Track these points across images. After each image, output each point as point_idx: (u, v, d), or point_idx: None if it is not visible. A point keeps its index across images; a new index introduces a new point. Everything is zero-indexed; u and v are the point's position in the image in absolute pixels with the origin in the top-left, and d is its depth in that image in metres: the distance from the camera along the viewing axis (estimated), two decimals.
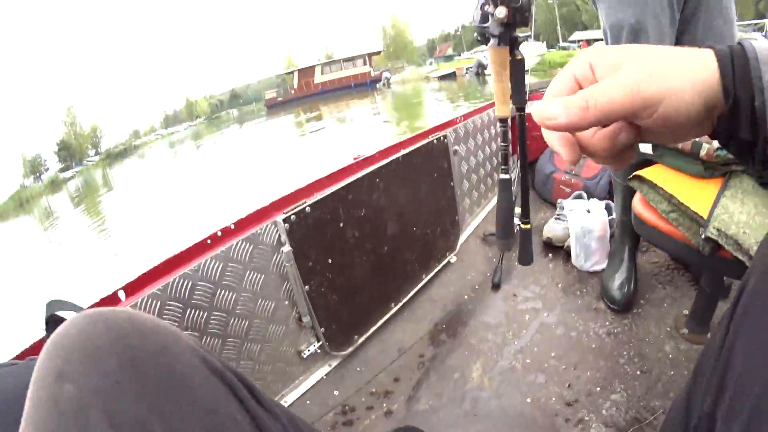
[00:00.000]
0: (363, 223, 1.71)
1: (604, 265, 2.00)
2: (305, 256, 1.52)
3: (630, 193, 1.44)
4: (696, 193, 1.21)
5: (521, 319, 1.86)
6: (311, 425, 0.70)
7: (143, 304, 1.15)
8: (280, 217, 1.42)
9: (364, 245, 1.74)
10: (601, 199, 2.30)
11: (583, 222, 2.02)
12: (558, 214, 2.33)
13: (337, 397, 1.61)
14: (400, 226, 1.88)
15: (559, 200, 2.42)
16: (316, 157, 11.09)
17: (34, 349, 1.01)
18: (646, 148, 1.42)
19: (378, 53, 62.97)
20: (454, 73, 39.74)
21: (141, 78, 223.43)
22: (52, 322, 0.63)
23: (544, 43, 47.92)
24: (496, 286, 2.06)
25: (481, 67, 33.96)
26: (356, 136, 12.95)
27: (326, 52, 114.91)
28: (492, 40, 0.99)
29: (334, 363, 1.70)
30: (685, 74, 0.42)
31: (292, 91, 49.90)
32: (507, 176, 1.10)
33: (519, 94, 1.03)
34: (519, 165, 1.13)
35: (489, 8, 0.95)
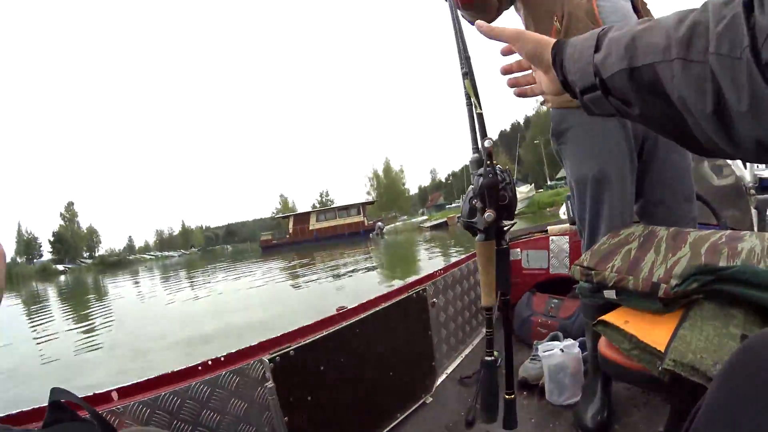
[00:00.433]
0: (343, 367, 1.79)
1: (578, 398, 2.04)
2: (287, 392, 1.60)
3: (598, 334, 1.52)
4: (655, 330, 1.27)
5: None
6: None
7: (134, 409, 1.23)
8: (266, 357, 1.53)
9: (342, 387, 1.81)
10: (576, 337, 2.37)
11: (556, 360, 2.08)
12: (533, 355, 2.38)
13: None
14: (378, 371, 1.96)
15: (535, 342, 2.49)
16: (310, 296, 11.17)
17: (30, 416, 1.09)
18: (609, 294, 1.49)
19: (371, 203, 64.40)
20: (446, 222, 40.63)
21: (141, 192, 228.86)
22: (56, 407, 0.68)
23: (533, 184, 49.36)
24: (469, 424, 2.06)
25: None
26: (349, 284, 13.06)
27: (320, 196, 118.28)
28: (479, 235, 1.07)
29: None
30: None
31: (287, 236, 50.54)
32: (491, 358, 1.20)
33: (504, 282, 1.14)
34: (504, 345, 1.26)
35: (477, 204, 1.03)
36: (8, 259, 0.76)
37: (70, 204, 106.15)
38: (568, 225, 3.04)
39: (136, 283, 29.88)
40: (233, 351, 1.52)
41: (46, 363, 8.48)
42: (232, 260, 39.97)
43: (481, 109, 1.07)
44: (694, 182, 1.88)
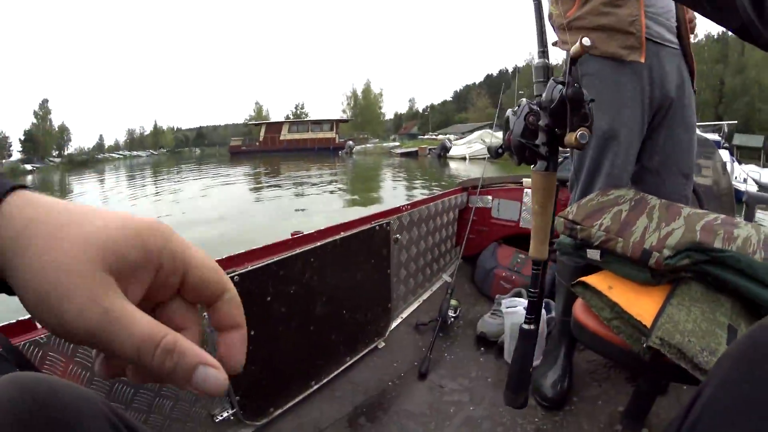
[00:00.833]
0: (292, 300, 1.65)
1: (537, 362, 1.95)
2: None
3: (572, 296, 1.41)
4: (641, 301, 1.20)
5: (446, 410, 1.78)
6: None
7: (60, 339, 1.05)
8: None
9: (289, 321, 1.67)
10: None
11: (519, 319, 1.96)
12: (494, 310, 2.30)
13: None
14: (329, 307, 1.82)
15: (497, 296, 2.40)
16: (264, 217, 11.01)
17: None
18: (593, 254, 1.40)
19: (346, 121, 64.08)
20: (416, 152, 39.91)
21: (117, 89, 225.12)
22: None
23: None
24: (422, 376, 1.98)
25: (444, 150, 34.27)
26: (309, 202, 12.96)
27: (296, 108, 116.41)
28: (539, 163, 0.93)
29: None
30: None
31: (257, 143, 50.00)
32: (531, 327, 1.04)
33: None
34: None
35: (542, 121, 0.90)
36: None
37: (45, 101, 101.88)
38: None
39: (101, 181, 29.61)
40: None
41: None
42: (197, 163, 39.97)
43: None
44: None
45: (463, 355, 2.14)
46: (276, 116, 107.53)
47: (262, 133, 50.23)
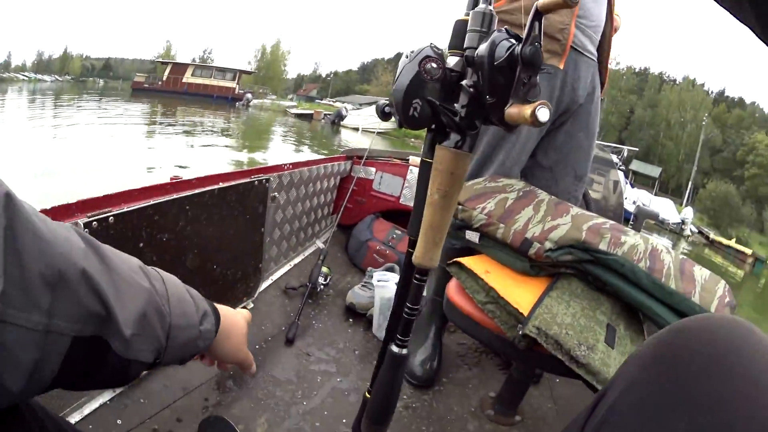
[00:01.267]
0: (164, 248, 1.54)
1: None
2: None
3: (446, 276, 1.40)
4: (518, 289, 1.20)
5: (313, 379, 1.75)
6: None
7: None
8: (82, 220, 1.25)
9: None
10: None
11: (390, 294, 1.97)
12: (365, 282, 2.28)
13: (120, 427, 1.40)
14: (200, 261, 1.72)
15: (369, 269, 2.38)
16: (153, 156, 10.55)
17: None
18: (472, 236, 1.39)
19: (249, 73, 62.39)
20: (311, 115, 39.67)
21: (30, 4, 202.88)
22: None
23: None
24: (289, 342, 1.92)
25: (339, 117, 34.17)
26: (198, 147, 12.57)
27: (203, 53, 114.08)
28: (452, 136, 0.74)
29: (118, 389, 1.48)
30: None
31: (160, 83, 47.86)
32: (403, 352, 0.83)
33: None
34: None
35: (467, 80, 0.72)
36: None
37: None
38: None
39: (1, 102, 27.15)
40: (47, 207, 1.22)
41: None
42: (99, 95, 38.38)
43: None
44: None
45: (331, 324, 2.11)
46: (184, 58, 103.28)
47: (166, 73, 48.23)
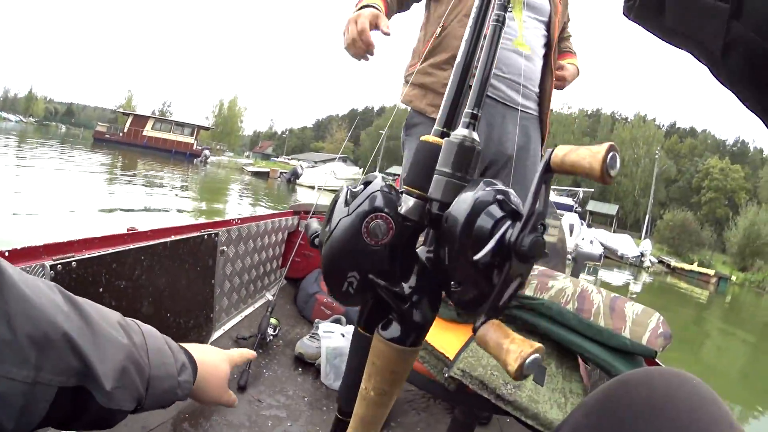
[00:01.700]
0: (121, 294, 1.60)
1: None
2: None
3: None
4: (446, 336, 1.25)
5: (264, 424, 1.81)
6: None
7: None
8: (48, 263, 1.32)
9: None
10: None
11: (336, 344, 2.07)
12: (313, 333, 2.36)
13: None
14: (155, 308, 1.79)
15: (317, 320, 2.48)
16: (113, 207, 10.48)
17: None
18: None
19: (207, 129, 62.16)
20: (268, 173, 39.81)
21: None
22: None
23: (362, 169, 50.25)
24: (241, 388, 1.98)
25: (294, 176, 34.44)
26: (157, 204, 12.53)
27: (163, 105, 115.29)
28: (393, 326, 0.58)
29: None
30: None
31: (121, 134, 47.41)
32: None
33: None
34: None
35: (421, 247, 0.60)
36: None
37: None
38: None
39: None
40: (17, 248, 1.30)
41: None
42: (61, 142, 37.69)
43: None
44: None
45: (281, 373, 2.17)
46: (144, 109, 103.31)
47: (127, 124, 47.76)
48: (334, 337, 2.10)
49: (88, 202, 10.73)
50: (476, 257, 0.46)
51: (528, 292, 1.27)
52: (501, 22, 0.63)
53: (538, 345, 0.43)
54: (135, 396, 0.66)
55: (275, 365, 2.22)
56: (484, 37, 0.63)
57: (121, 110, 74.66)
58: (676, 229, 43.08)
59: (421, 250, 0.58)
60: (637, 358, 1.24)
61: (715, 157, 65.12)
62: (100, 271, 1.50)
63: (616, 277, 20.32)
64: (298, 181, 33.73)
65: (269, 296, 2.69)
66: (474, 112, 0.59)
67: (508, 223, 0.48)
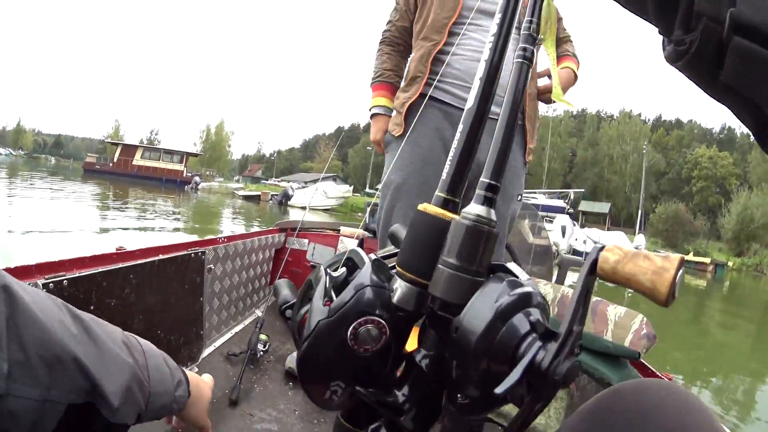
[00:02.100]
0: (112, 312, 1.65)
1: None
2: None
3: None
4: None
5: None
6: None
7: None
8: (40, 281, 1.37)
9: None
10: None
11: None
12: None
13: None
14: (145, 325, 1.83)
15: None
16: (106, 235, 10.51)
17: None
18: None
19: (196, 155, 62.27)
20: (259, 196, 39.84)
21: None
22: None
23: (352, 187, 50.35)
24: (233, 403, 2.00)
25: (285, 198, 34.51)
26: (151, 233, 12.55)
27: (150, 133, 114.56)
28: None
29: None
30: None
31: (111, 164, 47.52)
32: None
33: None
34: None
35: (419, 355, 0.50)
36: None
37: None
38: (360, 230, 3.16)
39: None
40: (10, 266, 1.35)
41: None
42: (50, 174, 37.99)
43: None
44: (512, 235, 1.98)
45: (272, 388, 2.20)
46: (132, 138, 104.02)
47: (116, 155, 47.92)
48: None
49: (82, 227, 10.80)
50: (497, 391, 0.39)
51: None
52: (529, 60, 0.51)
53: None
54: (137, 411, 0.71)
55: (266, 380, 2.25)
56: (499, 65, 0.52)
57: (109, 140, 75.44)
58: (669, 221, 43.35)
59: (419, 355, 0.49)
60: (621, 360, 1.27)
61: (703, 146, 65.49)
62: (90, 290, 1.54)
63: None
64: (289, 203, 33.82)
65: (258, 313, 2.73)
66: (493, 182, 0.48)
67: (539, 344, 0.40)
